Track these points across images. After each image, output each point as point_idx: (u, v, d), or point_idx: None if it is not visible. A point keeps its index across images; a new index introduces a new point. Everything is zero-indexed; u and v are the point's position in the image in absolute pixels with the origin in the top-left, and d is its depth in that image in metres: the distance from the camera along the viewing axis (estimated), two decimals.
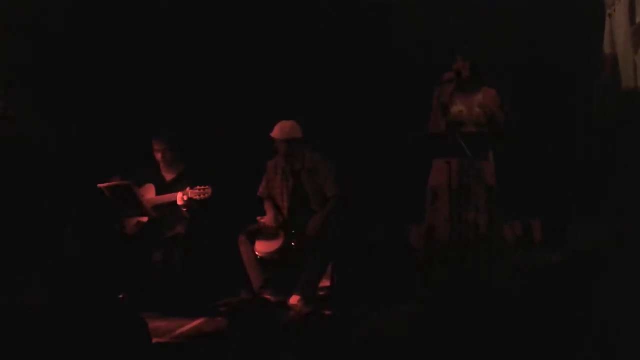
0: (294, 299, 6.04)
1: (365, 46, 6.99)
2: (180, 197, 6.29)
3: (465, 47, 5.91)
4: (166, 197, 6.43)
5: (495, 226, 5.77)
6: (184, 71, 7.17)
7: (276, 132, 6.30)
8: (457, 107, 5.84)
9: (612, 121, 5.99)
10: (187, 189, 6.28)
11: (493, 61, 6.16)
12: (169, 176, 6.67)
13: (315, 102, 6.98)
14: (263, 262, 6.21)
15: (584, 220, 6.25)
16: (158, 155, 6.63)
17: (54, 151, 6.64)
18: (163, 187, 6.56)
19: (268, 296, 6.14)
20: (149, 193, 6.58)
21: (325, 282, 6.47)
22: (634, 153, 5.79)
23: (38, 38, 6.67)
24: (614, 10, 5.94)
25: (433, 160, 5.93)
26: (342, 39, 7.03)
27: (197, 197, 6.22)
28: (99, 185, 6.22)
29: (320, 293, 6.41)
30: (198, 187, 6.23)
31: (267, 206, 6.51)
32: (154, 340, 4.68)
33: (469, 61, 5.86)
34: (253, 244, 6.23)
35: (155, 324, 5.56)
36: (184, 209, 6.36)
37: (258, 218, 6.45)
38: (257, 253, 6.19)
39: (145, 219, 6.41)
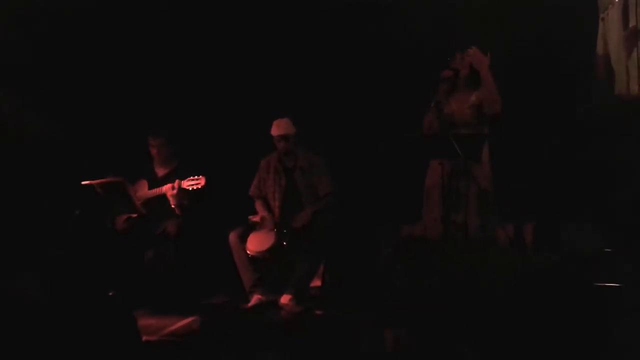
0: (285, 299, 6.06)
1: (360, 45, 6.97)
2: (169, 187, 6.30)
3: (456, 42, 5.89)
4: (156, 191, 6.44)
5: (488, 229, 5.76)
6: (178, 69, 7.17)
7: (274, 130, 6.34)
8: (449, 108, 5.82)
9: (604, 124, 5.96)
10: (177, 180, 6.29)
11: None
12: (161, 172, 6.69)
13: (309, 100, 6.98)
14: (254, 261, 6.21)
15: (577, 223, 6.23)
16: (153, 151, 6.65)
17: (49, 145, 6.65)
18: (156, 183, 6.58)
19: (259, 295, 6.16)
20: (142, 189, 6.60)
21: (316, 282, 6.48)
22: (627, 156, 5.76)
23: (35, 34, 6.67)
24: (607, 14, 5.91)
25: (430, 161, 5.93)
26: (337, 37, 7.02)
27: (190, 187, 6.22)
28: (93, 182, 6.22)
29: (312, 292, 6.41)
30: (191, 177, 6.24)
31: (259, 206, 6.53)
32: (144, 338, 4.69)
33: (468, 60, 5.84)
34: (244, 242, 6.23)
35: (145, 321, 5.60)
36: (174, 206, 6.36)
37: (250, 217, 6.46)
38: (248, 252, 6.19)
39: (135, 215, 6.42)
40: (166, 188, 6.35)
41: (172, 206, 6.39)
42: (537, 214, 6.53)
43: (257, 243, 6.19)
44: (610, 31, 5.88)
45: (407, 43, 6.71)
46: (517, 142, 6.32)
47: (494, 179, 5.81)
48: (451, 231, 5.60)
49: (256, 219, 6.40)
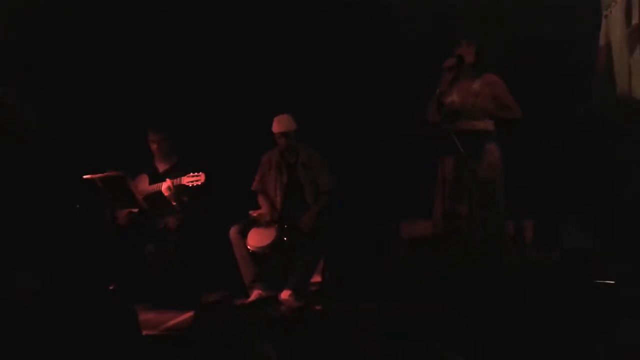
0: (285, 294, 6.08)
1: (360, 44, 6.98)
2: (165, 187, 6.30)
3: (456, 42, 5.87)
4: (156, 187, 6.44)
5: (488, 225, 5.73)
6: (179, 66, 7.17)
7: (275, 126, 6.34)
8: (451, 97, 5.78)
9: (604, 124, 5.97)
10: (168, 179, 6.29)
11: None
12: (162, 167, 6.69)
13: (309, 99, 6.97)
14: (255, 256, 6.22)
15: (577, 220, 6.24)
16: (153, 146, 6.64)
17: (49, 140, 6.64)
18: (156, 178, 6.58)
19: (259, 290, 6.16)
20: (143, 184, 6.60)
21: (316, 278, 6.48)
22: (628, 154, 5.77)
23: (37, 30, 6.68)
24: (611, 12, 5.92)
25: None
26: (337, 37, 7.02)
27: (190, 184, 6.22)
28: (94, 176, 6.21)
29: (312, 288, 6.43)
30: (191, 173, 6.23)
31: (262, 200, 6.52)
32: (145, 332, 4.67)
33: (474, 46, 5.80)
34: (245, 238, 6.24)
35: (146, 316, 5.59)
36: (172, 201, 6.35)
37: (251, 212, 6.45)
38: (249, 247, 6.20)
39: (136, 210, 6.41)
40: (163, 187, 6.33)
41: (173, 203, 6.38)
42: (537, 214, 6.53)
43: (257, 238, 6.20)
44: (613, 28, 5.88)
45: (407, 43, 6.70)
46: (517, 141, 6.30)
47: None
48: (454, 225, 5.59)
49: (258, 213, 6.40)
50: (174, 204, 6.38)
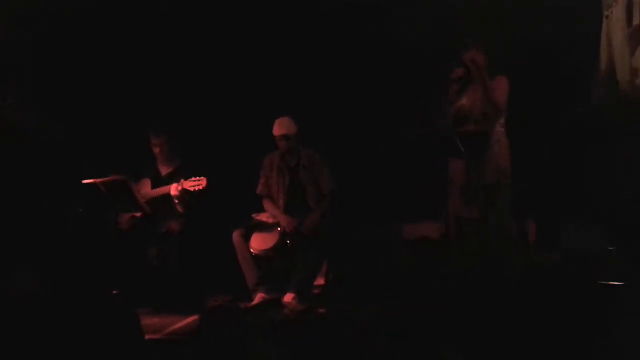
0: (288, 297, 6.07)
1: (360, 45, 6.97)
2: (174, 188, 6.29)
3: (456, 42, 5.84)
4: (160, 191, 6.44)
5: (488, 226, 5.74)
6: (181, 67, 7.16)
7: (276, 130, 6.32)
8: (460, 101, 5.76)
9: (605, 124, 5.97)
10: (182, 180, 6.29)
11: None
12: (165, 170, 6.69)
13: (310, 99, 6.97)
14: (258, 259, 6.23)
15: (578, 221, 6.25)
16: (156, 150, 6.64)
17: (51, 142, 6.64)
18: (159, 182, 6.58)
19: (263, 294, 6.16)
20: (145, 188, 6.60)
21: (320, 281, 6.49)
22: (628, 154, 5.78)
23: (37, 30, 6.67)
24: (612, 12, 5.92)
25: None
26: (337, 37, 7.01)
27: (192, 189, 6.22)
28: (96, 180, 6.21)
29: (315, 291, 6.43)
30: (193, 178, 6.23)
31: (268, 205, 6.51)
32: (147, 336, 4.68)
33: (483, 51, 5.75)
34: (248, 241, 6.25)
35: (149, 320, 5.61)
36: (177, 202, 6.36)
37: (254, 215, 6.45)
38: (252, 251, 6.21)
39: (139, 214, 6.41)
40: (172, 189, 6.34)
41: (177, 206, 6.39)
42: (537, 214, 6.54)
43: (260, 242, 6.21)
44: (615, 29, 5.89)
45: (407, 43, 6.70)
46: (517, 142, 6.31)
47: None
48: (464, 227, 5.60)
49: (261, 217, 6.40)
50: (180, 209, 6.38)
